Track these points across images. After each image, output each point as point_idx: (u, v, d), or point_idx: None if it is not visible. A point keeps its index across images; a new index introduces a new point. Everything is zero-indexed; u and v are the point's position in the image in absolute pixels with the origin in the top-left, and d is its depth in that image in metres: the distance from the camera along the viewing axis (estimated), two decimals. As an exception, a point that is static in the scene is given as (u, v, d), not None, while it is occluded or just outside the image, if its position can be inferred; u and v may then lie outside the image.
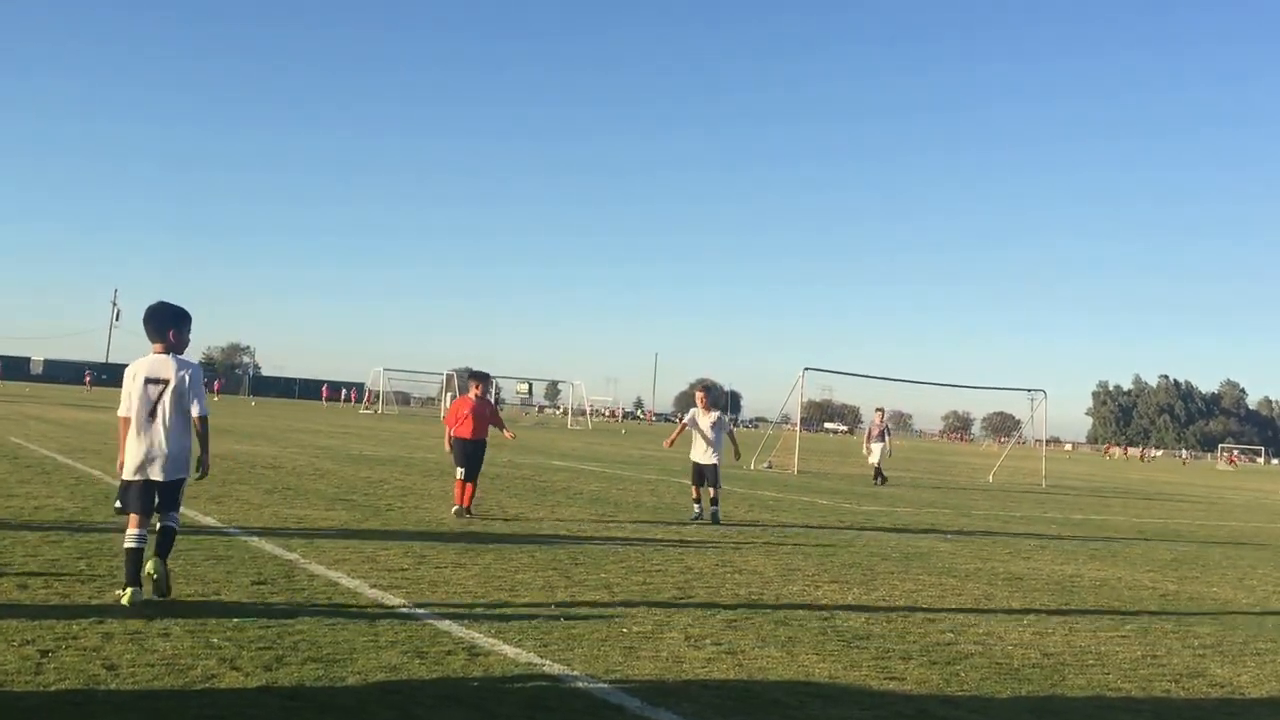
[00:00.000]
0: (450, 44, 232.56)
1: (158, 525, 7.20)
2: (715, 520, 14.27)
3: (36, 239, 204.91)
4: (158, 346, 7.27)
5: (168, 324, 7.27)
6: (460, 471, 13.41)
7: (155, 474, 7.08)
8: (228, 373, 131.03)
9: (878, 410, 28.77)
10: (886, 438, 27.60)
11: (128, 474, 7.13)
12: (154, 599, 7.02)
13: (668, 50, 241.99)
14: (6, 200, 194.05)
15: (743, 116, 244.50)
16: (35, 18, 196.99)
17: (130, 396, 7.16)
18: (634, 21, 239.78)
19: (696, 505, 14.75)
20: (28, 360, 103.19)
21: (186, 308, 7.48)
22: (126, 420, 7.15)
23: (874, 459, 27.10)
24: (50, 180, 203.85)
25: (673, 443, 16.00)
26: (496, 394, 75.88)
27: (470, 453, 13.50)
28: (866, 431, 28.36)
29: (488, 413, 13.97)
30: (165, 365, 7.17)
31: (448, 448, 13.88)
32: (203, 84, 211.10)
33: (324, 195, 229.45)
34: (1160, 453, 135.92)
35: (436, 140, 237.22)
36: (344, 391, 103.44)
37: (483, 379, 14.34)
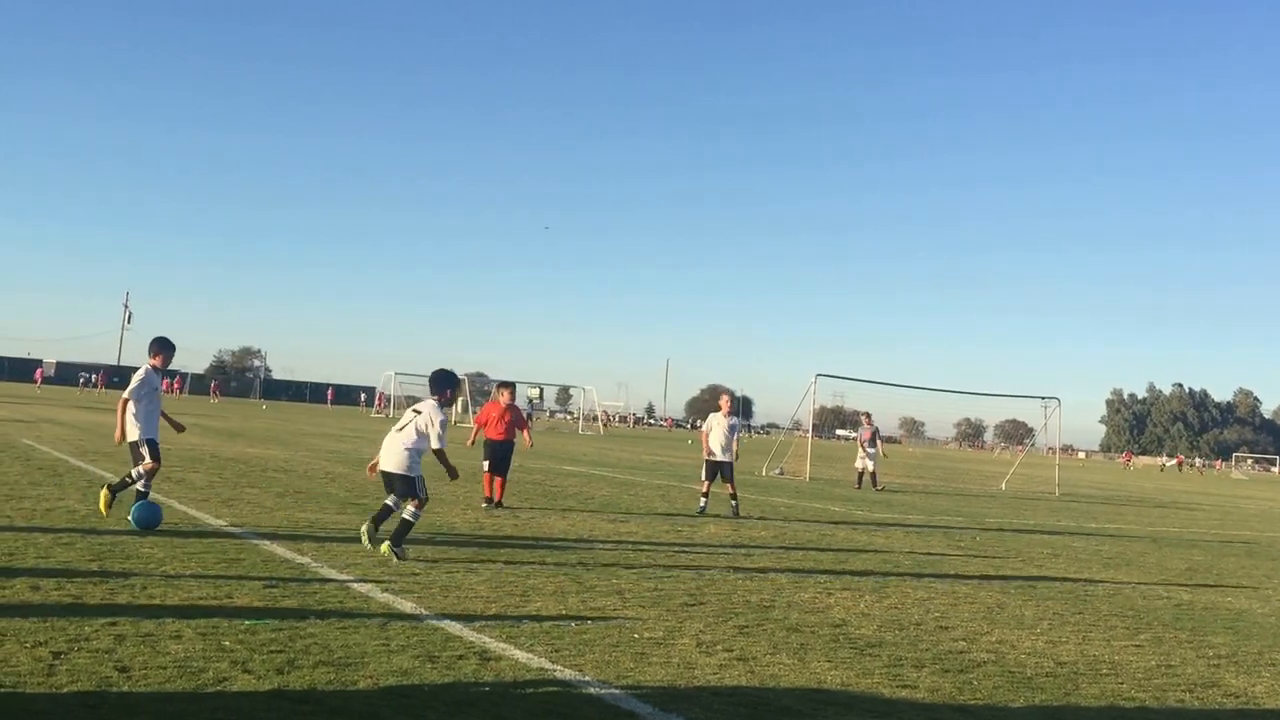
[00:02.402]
0: (460, 46, 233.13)
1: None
2: (735, 513, 16.12)
3: (47, 241, 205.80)
4: (435, 398, 10.25)
5: (444, 385, 10.40)
6: (486, 464, 15.02)
7: (382, 464, 9.98)
8: (239, 376, 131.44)
9: (865, 415, 28.99)
10: (878, 444, 27.64)
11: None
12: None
13: (678, 53, 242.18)
14: (17, 202, 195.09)
15: (754, 120, 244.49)
16: (46, 20, 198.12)
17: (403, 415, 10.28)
18: (645, 24, 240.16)
19: (704, 499, 16.57)
20: (39, 363, 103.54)
21: (455, 372, 10.74)
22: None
23: (870, 465, 26.92)
24: (60, 182, 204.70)
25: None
26: (531, 401, 76.46)
27: (499, 452, 15.08)
28: (859, 438, 28.22)
29: (515, 418, 15.56)
30: (426, 405, 10.16)
31: (469, 444, 15.72)
32: (214, 86, 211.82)
33: (334, 198, 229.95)
34: (1172, 460, 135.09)
35: (447, 143, 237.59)
36: (363, 396, 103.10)
37: (509, 386, 16.34)
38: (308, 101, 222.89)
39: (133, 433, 10.76)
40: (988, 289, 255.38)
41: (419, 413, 10.09)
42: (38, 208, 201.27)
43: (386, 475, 9.98)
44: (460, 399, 75.21)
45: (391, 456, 9.92)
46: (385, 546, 9.59)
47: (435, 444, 9.85)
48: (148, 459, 10.67)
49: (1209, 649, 8.36)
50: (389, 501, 10.01)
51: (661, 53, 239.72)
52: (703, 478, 16.87)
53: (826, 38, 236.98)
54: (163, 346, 11.14)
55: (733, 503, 16.42)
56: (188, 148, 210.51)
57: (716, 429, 16.85)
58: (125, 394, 10.80)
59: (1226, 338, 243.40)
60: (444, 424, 9.94)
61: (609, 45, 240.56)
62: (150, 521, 10.28)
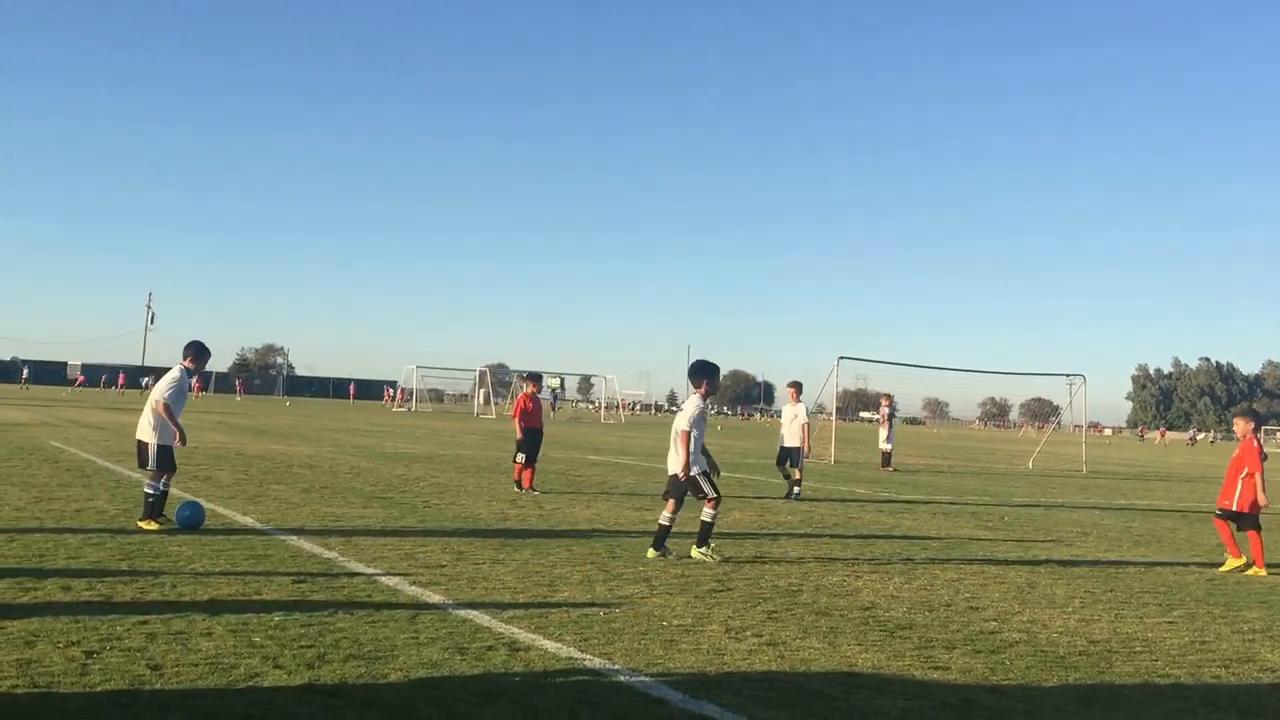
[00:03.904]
0: (472, 41, 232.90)
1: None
2: (797, 497, 16.70)
3: (68, 243, 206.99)
4: (695, 391, 10.19)
5: (700, 377, 10.20)
6: (522, 457, 15.90)
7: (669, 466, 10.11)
8: (262, 374, 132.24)
9: (885, 397, 29.64)
10: (892, 424, 28.06)
11: None
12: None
13: (691, 42, 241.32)
14: (36, 204, 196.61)
15: (771, 107, 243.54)
16: (61, 22, 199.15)
17: None
18: (658, 13, 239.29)
19: (788, 482, 17.36)
20: (64, 365, 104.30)
21: (716, 363, 10.46)
22: None
23: (884, 444, 27.46)
24: (80, 184, 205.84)
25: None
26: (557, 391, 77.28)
27: (532, 440, 16.02)
28: (879, 419, 28.90)
29: (543, 407, 16.87)
30: (688, 400, 10.17)
31: (520, 437, 16.14)
32: (233, 84, 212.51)
33: (350, 194, 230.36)
34: (1203, 435, 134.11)
35: (465, 137, 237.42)
36: (388, 391, 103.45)
37: (537, 379, 17.46)
38: (325, 98, 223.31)
39: (148, 435, 10.52)
40: (1012, 268, 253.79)
41: (681, 410, 10.23)
42: (53, 209, 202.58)
43: (672, 479, 10.01)
44: (483, 390, 75.69)
45: (671, 459, 10.03)
46: (694, 550, 9.81)
47: (682, 426, 9.85)
48: (152, 465, 10.41)
49: (1243, 624, 8.28)
50: (663, 520, 9.95)
51: (675, 42, 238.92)
52: (777, 464, 18.19)
53: (842, 20, 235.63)
54: (199, 352, 10.88)
55: (796, 487, 17.07)
56: (203, 147, 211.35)
57: (785, 418, 18.42)
58: (162, 397, 10.44)
59: (1254, 310, 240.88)
60: (699, 413, 9.95)
61: (620, 37, 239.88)
62: (194, 522, 10.28)
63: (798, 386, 18.76)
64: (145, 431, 10.59)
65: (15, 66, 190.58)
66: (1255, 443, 11.56)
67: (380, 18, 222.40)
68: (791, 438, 17.85)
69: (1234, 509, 11.43)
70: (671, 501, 9.95)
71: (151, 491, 10.39)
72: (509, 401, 60.28)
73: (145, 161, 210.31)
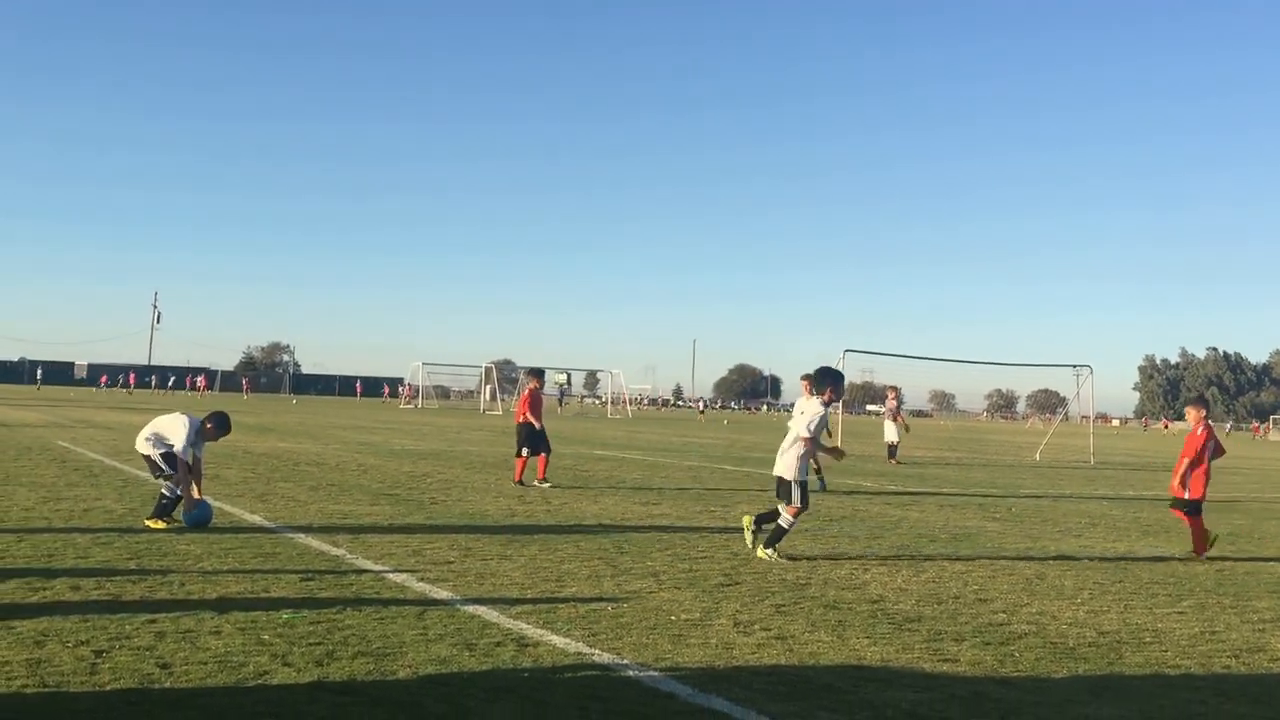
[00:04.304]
0: (475, 35, 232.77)
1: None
2: (821, 487, 16.87)
3: (70, 242, 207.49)
4: (818, 396, 10.25)
5: (824, 383, 10.26)
6: (525, 450, 16.23)
7: (775, 468, 10.20)
8: (268, 372, 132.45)
9: (891, 389, 29.76)
10: (898, 416, 28.05)
11: None
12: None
13: (699, 30, 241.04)
14: (37, 202, 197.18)
15: (777, 96, 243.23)
16: (70, 20, 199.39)
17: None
18: (660, 4, 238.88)
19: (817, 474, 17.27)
20: (71, 366, 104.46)
21: (841, 371, 10.84)
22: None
23: (890, 437, 27.45)
24: (80, 181, 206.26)
25: None
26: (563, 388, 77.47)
27: (537, 433, 16.33)
28: (886, 411, 28.94)
29: (544, 402, 17.26)
30: (809, 404, 10.29)
31: (538, 426, 16.51)
32: (234, 80, 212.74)
33: (354, 190, 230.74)
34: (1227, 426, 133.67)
35: (468, 132, 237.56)
36: (388, 388, 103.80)
37: (539, 375, 17.70)
38: (329, 93, 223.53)
39: (147, 449, 10.49)
40: (1017, 259, 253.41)
41: (802, 413, 10.27)
42: (57, 210, 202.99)
43: (777, 479, 10.12)
44: (489, 386, 75.76)
45: (779, 461, 10.12)
46: (761, 550, 9.77)
47: (803, 433, 9.93)
48: (169, 471, 10.37)
49: (1253, 614, 8.25)
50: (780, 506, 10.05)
51: (677, 32, 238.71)
52: None
53: (841, 7, 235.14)
54: (222, 425, 10.81)
55: (819, 478, 17.58)
56: (207, 143, 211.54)
57: (798, 409, 18.84)
58: (186, 454, 10.32)
59: (1261, 299, 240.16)
60: (820, 419, 10.03)
61: (621, 27, 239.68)
62: (202, 520, 10.27)
63: (810, 379, 18.96)
64: (144, 447, 10.56)
65: (16, 63, 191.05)
66: (1200, 430, 11.64)
67: (382, 13, 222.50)
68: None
69: (1187, 495, 11.53)
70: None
71: (169, 494, 10.40)
72: (515, 398, 60.35)
73: (148, 159, 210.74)
